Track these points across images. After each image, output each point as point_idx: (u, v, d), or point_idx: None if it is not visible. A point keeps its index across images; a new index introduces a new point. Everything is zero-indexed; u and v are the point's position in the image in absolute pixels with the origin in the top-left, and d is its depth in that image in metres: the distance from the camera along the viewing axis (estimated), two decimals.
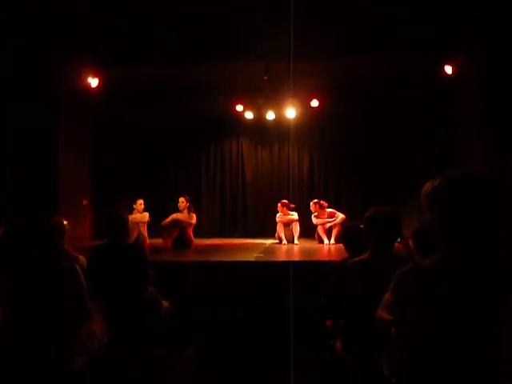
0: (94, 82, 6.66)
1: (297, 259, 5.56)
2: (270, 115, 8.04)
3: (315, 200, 7.30)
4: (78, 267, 2.41)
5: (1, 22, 5.51)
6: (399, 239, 2.45)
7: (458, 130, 6.67)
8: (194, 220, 6.89)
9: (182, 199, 6.95)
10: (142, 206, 7.04)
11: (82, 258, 3.43)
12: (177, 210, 6.97)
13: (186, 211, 6.91)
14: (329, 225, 7.08)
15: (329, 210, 7.21)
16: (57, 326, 2.20)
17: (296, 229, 7.07)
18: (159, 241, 6.69)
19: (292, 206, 7.34)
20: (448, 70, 6.30)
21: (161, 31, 5.91)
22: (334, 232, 6.95)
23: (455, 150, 6.64)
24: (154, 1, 5.50)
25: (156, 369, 2.68)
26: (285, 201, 7.32)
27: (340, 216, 7.06)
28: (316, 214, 7.20)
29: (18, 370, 2.06)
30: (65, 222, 3.39)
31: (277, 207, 7.34)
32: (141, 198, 7.07)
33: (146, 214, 7.03)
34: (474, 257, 1.28)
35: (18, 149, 6.05)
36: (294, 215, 7.19)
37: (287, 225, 7.19)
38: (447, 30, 5.60)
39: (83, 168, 7.56)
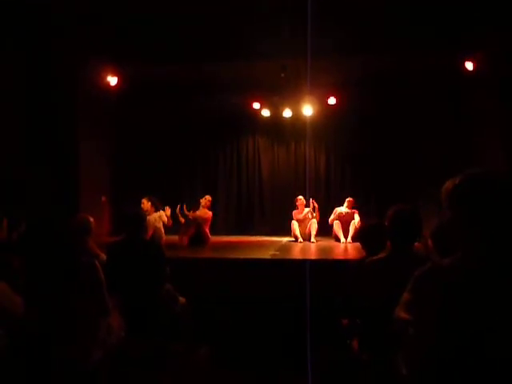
0: (112, 80, 6.73)
1: (313, 257, 5.54)
2: (287, 113, 8.01)
3: (349, 199, 7.32)
4: (97, 263, 2.44)
5: (18, 21, 5.61)
6: (418, 239, 2.42)
7: (477, 128, 6.55)
8: (208, 215, 6.94)
9: (208, 197, 7.03)
10: (149, 203, 7.02)
11: (103, 256, 3.49)
12: (193, 208, 7.05)
13: (205, 208, 6.99)
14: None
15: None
16: (75, 320, 2.23)
17: (314, 226, 7.06)
18: (175, 237, 6.75)
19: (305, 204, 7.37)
20: (469, 66, 6.18)
21: (179, 30, 5.94)
22: (351, 231, 6.91)
23: (474, 149, 6.53)
24: (169, 1, 5.53)
25: (171, 365, 2.71)
26: (300, 197, 7.37)
27: (356, 219, 7.07)
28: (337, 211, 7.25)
29: (38, 364, 2.10)
30: (91, 220, 3.46)
31: (294, 204, 7.40)
32: (144, 196, 7.02)
33: (163, 213, 7.03)
34: (495, 256, 1.26)
35: (39, 147, 6.17)
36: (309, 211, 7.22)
37: (303, 222, 7.20)
38: (464, 27, 5.52)
39: (102, 165, 7.67)
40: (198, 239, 6.63)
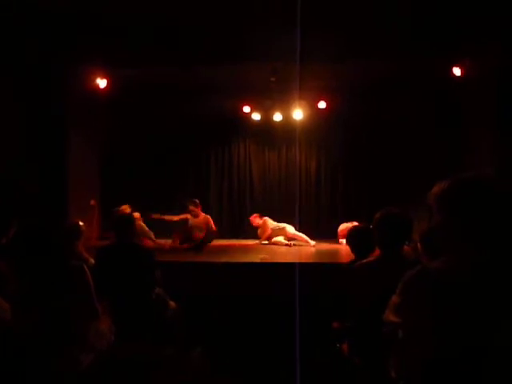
0: (102, 82, 6.70)
1: (302, 261, 5.55)
2: (278, 116, 8.04)
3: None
4: (85, 267, 2.42)
5: (14, 22, 5.57)
6: (407, 242, 2.44)
7: (469, 132, 6.62)
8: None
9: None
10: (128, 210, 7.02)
11: (92, 261, 3.47)
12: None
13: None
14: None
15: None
16: (64, 324, 2.21)
17: (298, 236, 7.07)
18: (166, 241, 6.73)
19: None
20: (456, 71, 6.26)
21: (169, 33, 5.94)
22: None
23: (465, 153, 6.59)
24: (161, 4, 5.53)
25: (163, 368, 2.69)
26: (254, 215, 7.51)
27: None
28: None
29: (28, 369, 2.08)
30: (81, 224, 3.44)
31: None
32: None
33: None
34: (484, 260, 1.27)
35: (29, 149, 6.12)
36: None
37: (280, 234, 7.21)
38: (454, 32, 5.59)
39: (92, 167, 7.62)
40: (201, 245, 6.67)
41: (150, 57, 6.10)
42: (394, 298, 1.52)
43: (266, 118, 8.15)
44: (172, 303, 3.48)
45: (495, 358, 1.19)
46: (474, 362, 1.21)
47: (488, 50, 5.66)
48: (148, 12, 5.63)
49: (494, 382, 1.20)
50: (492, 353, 1.20)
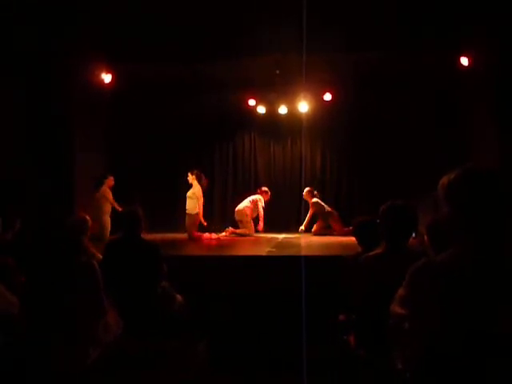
0: (106, 78, 6.71)
1: (309, 254, 5.54)
2: (283, 109, 8.00)
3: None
4: (95, 264, 2.43)
5: (15, 17, 5.57)
6: (414, 234, 2.43)
7: (472, 125, 6.57)
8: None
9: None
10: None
11: (99, 256, 3.48)
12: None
13: None
14: None
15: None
16: (72, 319, 2.23)
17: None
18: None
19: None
20: (464, 61, 6.19)
21: (172, 27, 5.92)
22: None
23: (469, 145, 6.54)
24: None
25: (168, 362, 2.71)
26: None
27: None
28: None
29: (35, 363, 2.10)
30: (88, 218, 3.44)
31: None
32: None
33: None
34: (490, 251, 1.26)
35: (34, 146, 6.15)
36: None
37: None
38: (460, 24, 5.54)
39: (98, 163, 7.64)
40: None
41: (153, 52, 6.09)
42: (401, 291, 1.52)
43: (271, 111, 8.12)
44: (178, 297, 3.50)
45: (497, 349, 1.19)
46: (477, 352, 1.20)
47: (487, 46, 5.61)
48: (150, 6, 5.61)
49: (496, 374, 1.20)
50: (494, 344, 1.19)
